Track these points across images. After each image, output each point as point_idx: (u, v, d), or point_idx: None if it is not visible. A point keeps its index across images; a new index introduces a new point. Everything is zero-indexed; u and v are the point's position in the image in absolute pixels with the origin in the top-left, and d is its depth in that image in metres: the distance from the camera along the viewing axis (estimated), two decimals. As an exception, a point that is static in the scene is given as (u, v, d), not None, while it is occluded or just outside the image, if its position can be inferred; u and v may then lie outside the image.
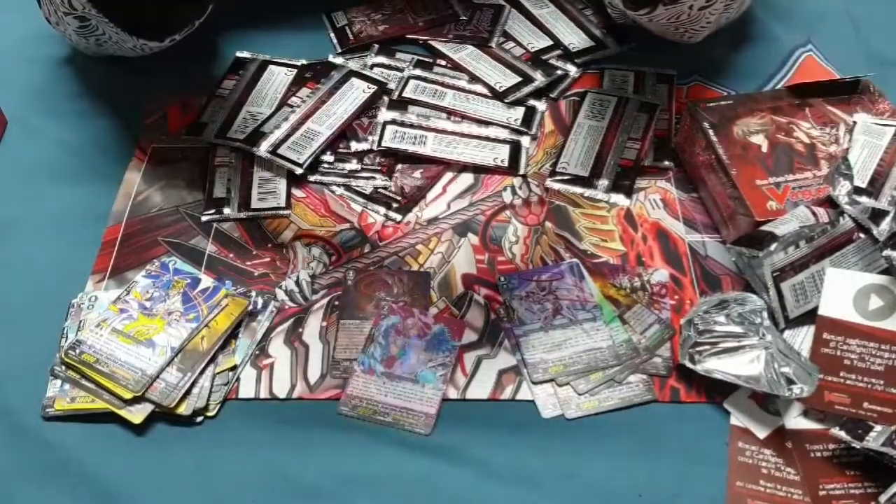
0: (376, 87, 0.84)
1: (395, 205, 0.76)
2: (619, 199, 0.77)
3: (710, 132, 0.73)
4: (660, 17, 0.79)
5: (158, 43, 0.82)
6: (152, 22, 0.81)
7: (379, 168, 0.79)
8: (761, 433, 0.62)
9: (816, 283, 0.65)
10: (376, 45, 0.90)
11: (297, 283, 0.71)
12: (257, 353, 0.67)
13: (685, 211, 0.76)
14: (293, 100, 0.84)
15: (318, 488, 0.60)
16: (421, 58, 0.89)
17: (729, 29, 0.85)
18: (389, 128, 0.81)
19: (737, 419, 0.63)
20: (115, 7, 0.77)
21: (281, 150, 0.78)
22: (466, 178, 0.79)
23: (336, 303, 0.69)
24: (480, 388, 0.65)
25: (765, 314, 0.63)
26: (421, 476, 0.60)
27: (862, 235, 0.67)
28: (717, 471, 0.60)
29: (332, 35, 0.92)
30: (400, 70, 0.87)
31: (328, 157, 0.79)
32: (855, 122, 0.74)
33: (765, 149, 0.73)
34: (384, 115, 0.82)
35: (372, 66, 0.88)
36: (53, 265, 0.72)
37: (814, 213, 0.67)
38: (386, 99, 0.84)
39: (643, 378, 0.65)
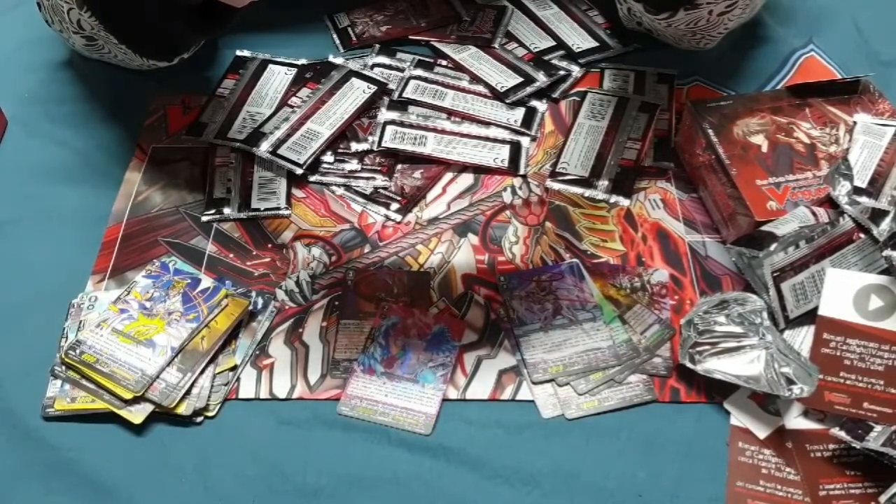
0: (376, 88, 0.84)
1: (394, 205, 0.76)
2: (620, 199, 0.76)
3: (710, 132, 0.73)
4: (678, 23, 0.79)
5: (168, 62, 0.82)
6: (162, 42, 0.80)
7: (379, 168, 0.79)
8: (761, 433, 0.62)
9: (816, 283, 0.65)
10: (377, 45, 0.91)
11: (297, 283, 0.71)
12: (257, 353, 0.67)
13: (685, 211, 0.76)
14: (293, 100, 0.84)
15: (318, 488, 0.59)
16: (422, 58, 0.89)
17: (730, 29, 0.85)
18: (389, 128, 0.81)
19: (737, 419, 0.63)
20: (125, 29, 0.77)
21: (281, 151, 0.78)
22: (466, 179, 0.79)
23: (336, 303, 0.70)
24: (480, 388, 0.65)
25: (765, 314, 0.63)
26: (421, 476, 0.60)
27: (862, 235, 0.66)
28: (717, 471, 0.60)
29: (334, 36, 0.92)
30: (401, 70, 0.87)
31: (328, 158, 0.79)
32: (855, 122, 0.74)
33: (765, 149, 0.72)
34: (384, 115, 0.82)
35: (372, 67, 0.88)
36: (53, 265, 0.72)
37: (814, 214, 0.66)
38: (386, 99, 0.84)
39: (643, 378, 0.65)
